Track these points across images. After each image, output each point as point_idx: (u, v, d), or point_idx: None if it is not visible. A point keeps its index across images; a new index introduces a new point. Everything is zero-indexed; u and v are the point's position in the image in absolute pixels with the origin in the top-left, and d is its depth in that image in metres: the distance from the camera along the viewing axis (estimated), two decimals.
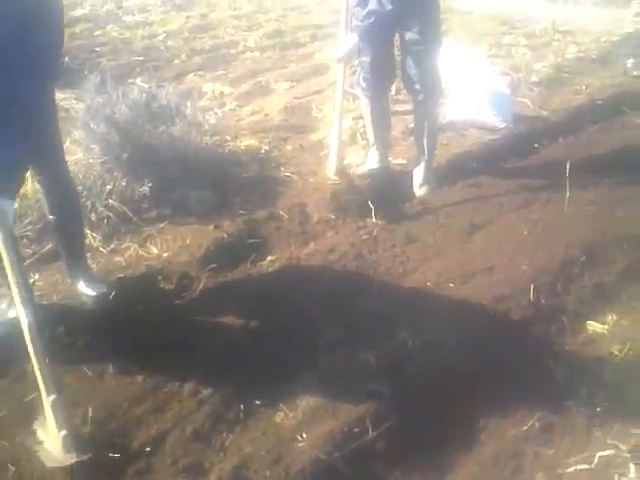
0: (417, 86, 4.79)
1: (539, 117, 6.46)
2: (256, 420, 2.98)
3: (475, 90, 6.15)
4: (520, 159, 5.59)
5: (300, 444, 2.81)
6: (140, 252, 4.25)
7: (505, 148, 5.74)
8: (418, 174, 5.08)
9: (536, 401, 3.06)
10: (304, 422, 2.92)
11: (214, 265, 4.05)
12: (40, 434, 2.83)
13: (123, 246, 4.32)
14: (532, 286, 3.73)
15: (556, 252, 4.06)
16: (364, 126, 5.64)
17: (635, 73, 7.58)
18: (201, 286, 3.90)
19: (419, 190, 5.04)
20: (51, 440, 2.75)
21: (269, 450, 2.81)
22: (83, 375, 3.22)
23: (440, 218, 4.56)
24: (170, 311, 3.69)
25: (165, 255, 4.19)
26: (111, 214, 4.46)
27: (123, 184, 4.68)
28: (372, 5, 4.57)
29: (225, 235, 4.34)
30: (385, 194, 4.85)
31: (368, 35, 4.70)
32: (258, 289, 3.84)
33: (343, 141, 5.22)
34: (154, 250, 4.26)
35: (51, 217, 3.61)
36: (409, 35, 4.65)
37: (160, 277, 3.97)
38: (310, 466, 2.71)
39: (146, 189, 4.64)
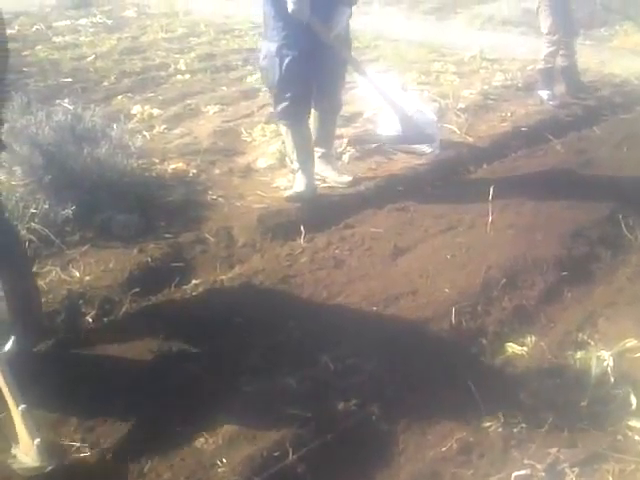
0: (327, 102, 5.24)
1: (465, 143, 6.57)
2: (175, 446, 2.93)
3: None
4: (446, 184, 5.69)
5: (220, 469, 2.79)
6: (62, 276, 4.16)
7: (432, 173, 5.83)
8: (329, 171, 5.46)
9: (455, 422, 3.09)
10: (224, 447, 2.89)
11: (137, 289, 4.01)
12: (13, 448, 2.84)
13: (44, 270, 4.22)
14: (453, 309, 3.78)
15: (478, 275, 4.12)
16: None
17: (552, 103, 7.85)
18: (123, 310, 3.86)
19: (340, 178, 5.42)
20: (25, 451, 2.77)
21: (188, 476, 2.78)
22: None
23: (366, 241, 4.59)
24: (92, 337, 3.64)
25: (87, 279, 4.12)
26: (33, 237, 4.36)
27: (46, 207, 4.58)
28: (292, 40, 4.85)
29: (149, 259, 4.30)
30: (312, 218, 4.87)
31: (289, 71, 4.91)
32: (181, 313, 3.81)
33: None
34: (76, 274, 4.17)
35: None
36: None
37: (82, 301, 3.91)
38: None
39: (69, 212, 4.57)
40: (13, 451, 2.83)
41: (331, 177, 5.45)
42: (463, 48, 10.04)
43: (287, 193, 5.19)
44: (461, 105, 7.50)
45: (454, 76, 8.80)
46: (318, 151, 5.46)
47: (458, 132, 6.78)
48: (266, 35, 5.01)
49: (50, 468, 2.72)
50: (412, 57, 9.58)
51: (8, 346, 3.39)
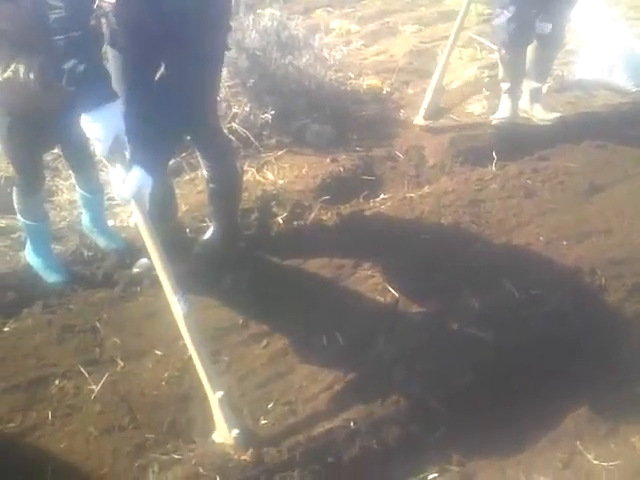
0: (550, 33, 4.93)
1: None
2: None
3: (609, 50, 5.92)
4: None
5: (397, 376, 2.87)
6: (257, 177, 4.33)
7: (635, 113, 5.51)
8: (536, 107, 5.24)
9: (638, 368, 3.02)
10: (404, 356, 2.96)
11: (327, 197, 4.12)
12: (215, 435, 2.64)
13: None
14: None
15: None
16: (489, 76, 5.60)
17: None
18: (313, 216, 3.97)
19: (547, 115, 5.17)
20: (223, 438, 2.59)
21: (373, 374, 2.88)
22: None
23: (560, 175, 4.44)
24: (282, 237, 3.79)
25: (281, 182, 4.27)
26: (233, 137, 4.52)
27: (247, 109, 4.76)
28: None
29: (341, 169, 4.39)
30: (505, 146, 4.76)
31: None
32: (369, 225, 3.87)
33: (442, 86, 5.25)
34: (270, 176, 4.33)
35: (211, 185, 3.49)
36: None
37: (274, 203, 4.05)
38: (404, 398, 2.77)
39: (268, 116, 4.71)
40: (213, 437, 2.63)
41: (538, 114, 5.21)
42: None
43: (492, 118, 5.12)
44: None
45: None
46: (530, 84, 5.25)
47: None
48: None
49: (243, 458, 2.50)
50: None
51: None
